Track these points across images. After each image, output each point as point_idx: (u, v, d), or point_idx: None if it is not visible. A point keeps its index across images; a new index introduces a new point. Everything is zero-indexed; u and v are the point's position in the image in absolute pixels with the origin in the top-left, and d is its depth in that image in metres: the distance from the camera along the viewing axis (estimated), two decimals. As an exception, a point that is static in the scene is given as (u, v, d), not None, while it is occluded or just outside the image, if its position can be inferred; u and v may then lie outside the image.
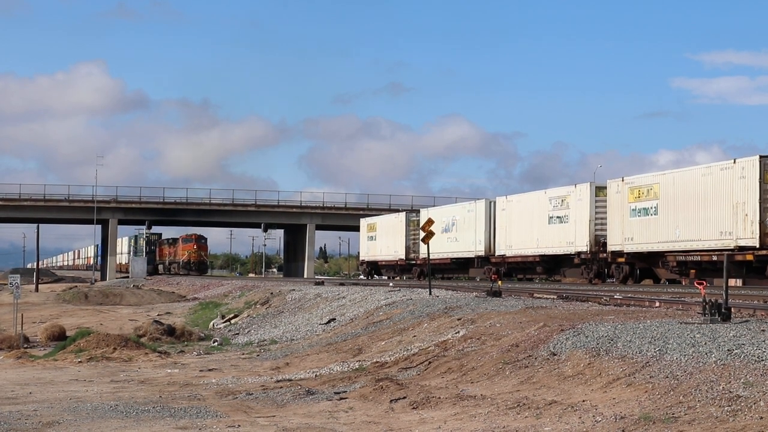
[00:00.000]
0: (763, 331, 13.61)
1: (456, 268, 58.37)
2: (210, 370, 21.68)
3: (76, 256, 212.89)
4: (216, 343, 29.30)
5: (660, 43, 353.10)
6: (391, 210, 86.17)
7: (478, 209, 54.42)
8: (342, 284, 46.09)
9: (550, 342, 15.65)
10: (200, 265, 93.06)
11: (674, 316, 17.59)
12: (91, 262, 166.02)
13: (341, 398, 15.12)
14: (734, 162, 33.85)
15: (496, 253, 51.96)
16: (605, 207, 42.13)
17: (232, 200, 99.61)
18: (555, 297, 26.07)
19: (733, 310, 16.03)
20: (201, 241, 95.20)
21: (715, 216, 34.53)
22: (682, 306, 19.97)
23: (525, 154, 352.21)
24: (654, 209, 38.33)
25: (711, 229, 34.80)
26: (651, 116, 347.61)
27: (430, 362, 17.46)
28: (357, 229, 79.15)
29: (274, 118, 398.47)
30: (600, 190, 43.13)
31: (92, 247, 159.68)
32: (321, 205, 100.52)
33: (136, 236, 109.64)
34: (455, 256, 56.50)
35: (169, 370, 21.75)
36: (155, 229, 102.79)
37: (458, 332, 19.52)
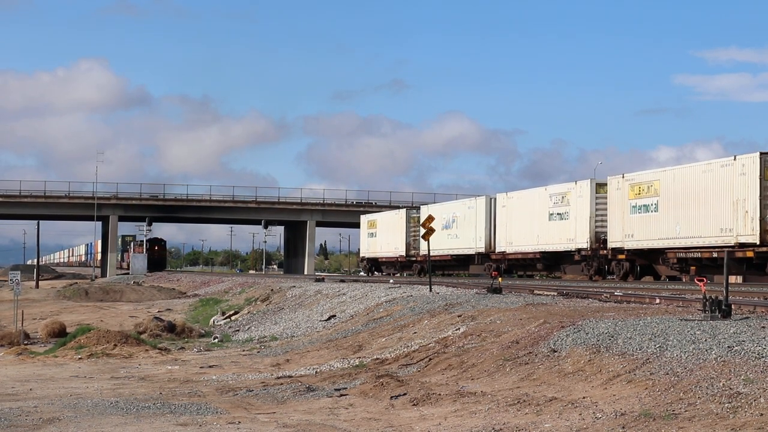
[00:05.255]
0: (764, 327, 13.59)
1: (456, 265, 58.35)
2: (210, 366, 21.67)
3: (71, 254, 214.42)
4: (216, 340, 29.30)
5: (663, 41, 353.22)
6: (391, 206, 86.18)
7: (478, 206, 54.40)
8: (342, 281, 46.10)
9: (550, 339, 15.64)
10: (160, 261, 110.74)
11: (674, 312, 17.58)
12: (83, 259, 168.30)
13: (341, 395, 15.12)
14: (734, 159, 33.82)
15: (497, 250, 51.94)
16: (605, 204, 42.12)
17: (232, 197, 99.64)
18: (555, 294, 26.06)
19: (733, 306, 16.01)
20: (160, 243, 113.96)
21: (716, 213, 34.52)
22: (683, 303, 19.96)
23: (524, 150, 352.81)
24: (654, 206, 38.31)
25: (711, 226, 34.78)
26: (650, 113, 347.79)
27: (430, 359, 17.46)
28: (357, 225, 79.16)
29: (274, 115, 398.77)
30: (600, 187, 43.12)
31: (84, 245, 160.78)
32: (321, 201, 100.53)
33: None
34: (455, 252, 56.49)
35: (169, 367, 21.74)
36: (154, 226, 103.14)
37: (458, 329, 19.52)
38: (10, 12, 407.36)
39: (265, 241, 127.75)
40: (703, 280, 17.70)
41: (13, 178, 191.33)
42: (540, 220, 47.17)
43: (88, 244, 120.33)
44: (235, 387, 17.37)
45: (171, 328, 31.16)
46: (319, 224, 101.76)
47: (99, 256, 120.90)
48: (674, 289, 27.05)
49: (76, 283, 79.51)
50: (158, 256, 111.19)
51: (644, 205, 38.99)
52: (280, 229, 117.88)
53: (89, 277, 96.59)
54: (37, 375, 20.40)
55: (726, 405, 10.33)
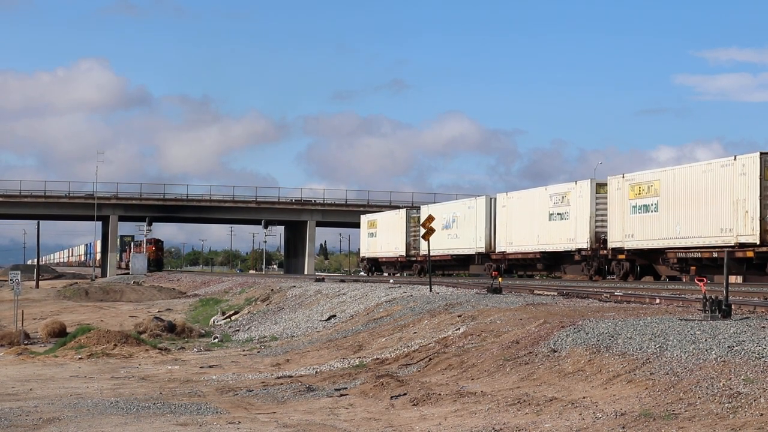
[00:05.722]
0: (764, 327, 13.59)
1: (456, 265, 58.34)
2: (210, 366, 21.68)
3: (71, 254, 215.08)
4: (216, 340, 29.30)
5: (663, 41, 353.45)
6: (391, 206, 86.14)
7: (478, 206, 54.39)
8: (342, 281, 46.09)
9: (550, 339, 15.64)
10: (157, 262, 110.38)
11: (675, 312, 17.58)
12: (83, 259, 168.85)
13: (342, 395, 15.12)
14: (735, 159, 33.81)
15: (497, 250, 51.93)
16: (606, 204, 42.12)
17: (232, 197, 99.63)
18: (555, 294, 26.06)
19: (733, 306, 16.01)
20: (158, 244, 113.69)
21: (716, 213, 34.52)
22: (683, 303, 19.96)
23: (524, 150, 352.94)
24: (654, 206, 38.30)
25: (711, 226, 34.78)
26: (650, 113, 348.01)
27: (430, 359, 17.46)
28: (357, 225, 79.14)
29: (274, 115, 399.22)
30: (600, 187, 43.12)
31: (83, 245, 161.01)
32: (321, 201, 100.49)
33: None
34: (456, 252, 56.48)
35: (169, 367, 21.75)
36: (154, 226, 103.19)
37: (458, 329, 19.52)
38: (10, 12, 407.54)
39: (265, 241, 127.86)
40: (703, 280, 17.69)
41: (13, 178, 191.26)
42: (540, 220, 47.17)
43: (88, 244, 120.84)
44: (235, 387, 17.37)
45: (171, 328, 31.16)
46: (319, 224, 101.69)
47: (99, 256, 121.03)
48: (674, 289, 27.05)
49: (76, 283, 79.51)
50: (155, 257, 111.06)
51: (644, 205, 38.98)
52: (280, 229, 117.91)
53: (89, 277, 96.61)
54: (37, 375, 20.41)
55: (726, 405, 10.33)
